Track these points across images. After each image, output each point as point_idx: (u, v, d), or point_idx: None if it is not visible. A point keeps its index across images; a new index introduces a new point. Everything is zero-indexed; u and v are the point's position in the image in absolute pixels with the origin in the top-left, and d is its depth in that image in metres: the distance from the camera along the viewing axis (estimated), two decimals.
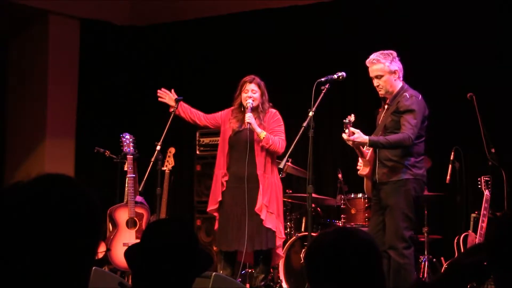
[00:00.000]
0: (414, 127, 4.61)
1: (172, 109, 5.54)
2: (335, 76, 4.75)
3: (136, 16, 8.51)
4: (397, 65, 4.76)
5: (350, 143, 4.67)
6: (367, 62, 4.80)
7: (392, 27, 6.91)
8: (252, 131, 5.21)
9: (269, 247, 5.22)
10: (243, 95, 5.30)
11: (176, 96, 5.50)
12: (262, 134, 5.18)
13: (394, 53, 4.80)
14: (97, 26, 8.16)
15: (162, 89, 5.59)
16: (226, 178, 5.34)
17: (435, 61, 6.68)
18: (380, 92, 4.82)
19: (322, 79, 4.74)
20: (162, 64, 8.31)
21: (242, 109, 5.34)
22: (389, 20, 6.95)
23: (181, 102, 5.51)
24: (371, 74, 4.80)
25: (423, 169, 4.80)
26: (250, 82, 5.31)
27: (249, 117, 5.17)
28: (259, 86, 5.31)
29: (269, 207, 5.21)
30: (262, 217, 5.17)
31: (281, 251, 5.37)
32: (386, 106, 4.86)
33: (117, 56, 8.32)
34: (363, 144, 4.70)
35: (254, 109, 5.26)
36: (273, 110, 5.39)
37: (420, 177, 4.75)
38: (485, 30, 6.49)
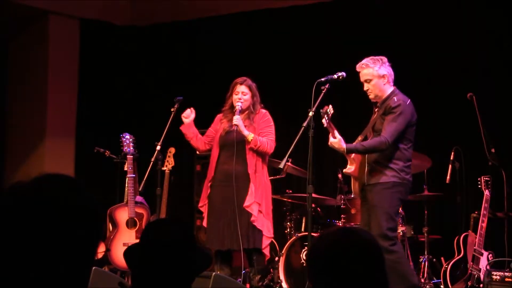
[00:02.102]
0: (394, 131, 4.65)
1: (173, 109, 5.56)
2: (335, 76, 4.77)
3: (136, 16, 8.51)
4: (386, 70, 4.80)
5: (329, 143, 4.70)
6: (357, 67, 4.86)
7: (392, 27, 6.90)
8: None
9: (256, 246, 5.24)
10: (234, 96, 5.36)
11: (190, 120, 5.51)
12: (250, 136, 5.23)
13: (385, 59, 4.84)
14: (97, 26, 8.15)
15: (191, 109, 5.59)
16: (211, 182, 5.41)
17: (435, 61, 6.68)
18: (370, 97, 4.89)
19: (322, 79, 4.74)
20: (162, 64, 8.30)
21: (233, 109, 5.38)
22: (389, 20, 6.94)
23: (193, 126, 5.53)
24: (361, 79, 4.86)
25: (410, 175, 4.84)
26: (241, 84, 5.36)
27: (236, 119, 5.22)
28: (250, 88, 5.36)
29: (260, 206, 5.24)
30: (254, 213, 5.20)
31: (267, 251, 5.39)
32: (376, 110, 4.90)
33: (117, 56, 8.32)
34: (340, 150, 4.74)
35: (243, 111, 5.31)
36: (264, 111, 5.43)
37: (407, 182, 4.79)
38: (485, 29, 6.49)
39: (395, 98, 4.75)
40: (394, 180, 4.73)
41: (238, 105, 5.27)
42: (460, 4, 6.62)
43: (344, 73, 4.78)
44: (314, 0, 7.38)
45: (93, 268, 3.78)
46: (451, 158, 5.82)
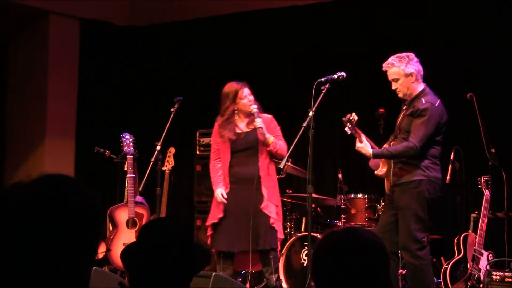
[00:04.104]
0: (423, 136, 4.59)
1: (173, 109, 5.55)
2: (335, 76, 4.74)
3: (136, 16, 8.51)
4: (413, 68, 4.72)
5: (355, 147, 4.68)
6: (384, 66, 4.78)
7: (391, 27, 6.91)
8: (255, 134, 5.22)
9: (272, 246, 5.21)
10: (242, 101, 5.24)
11: None
12: (271, 139, 5.21)
13: (411, 55, 4.77)
14: (97, 26, 8.16)
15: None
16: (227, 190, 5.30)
17: (435, 61, 6.67)
18: (398, 95, 4.81)
19: (322, 79, 4.73)
20: (162, 64, 8.30)
21: (232, 118, 5.28)
22: (389, 21, 6.95)
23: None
24: (389, 78, 4.79)
25: (438, 172, 4.74)
26: (243, 87, 5.26)
27: (260, 122, 5.16)
28: (250, 89, 5.30)
29: (277, 207, 5.25)
30: (273, 215, 5.17)
31: (278, 252, 5.39)
32: (404, 108, 4.84)
33: (117, 56, 8.33)
34: (366, 155, 4.71)
35: (249, 114, 5.26)
36: (269, 116, 5.38)
37: (434, 179, 4.68)
38: (485, 29, 6.49)
39: (423, 99, 4.67)
40: (420, 179, 4.63)
41: (254, 108, 5.20)
42: (460, 4, 6.62)
43: (344, 73, 4.75)
44: (314, 0, 7.38)
45: (93, 268, 3.78)
46: (451, 158, 5.81)
